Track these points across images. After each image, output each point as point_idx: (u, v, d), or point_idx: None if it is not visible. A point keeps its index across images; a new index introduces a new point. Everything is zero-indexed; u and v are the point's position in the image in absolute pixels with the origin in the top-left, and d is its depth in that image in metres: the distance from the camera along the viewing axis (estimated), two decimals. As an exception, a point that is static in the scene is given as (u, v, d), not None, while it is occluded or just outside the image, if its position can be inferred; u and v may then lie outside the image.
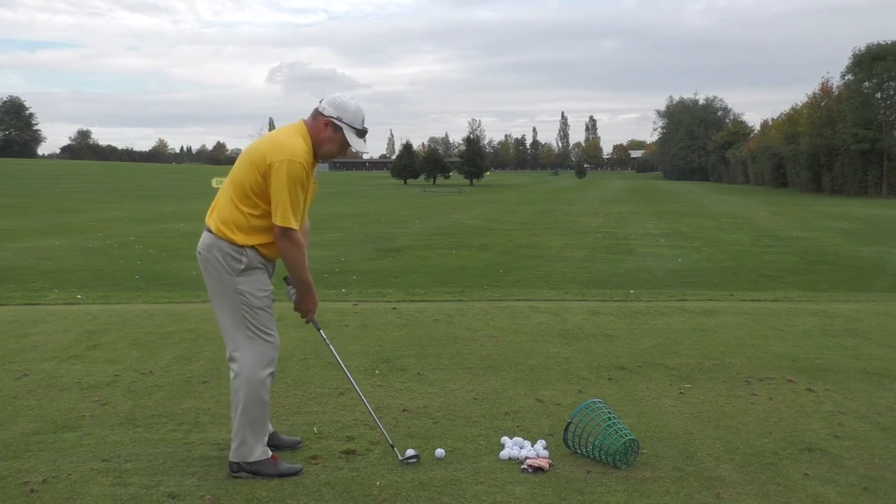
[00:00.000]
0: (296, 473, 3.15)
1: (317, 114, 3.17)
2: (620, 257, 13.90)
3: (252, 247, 3.11)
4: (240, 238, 3.08)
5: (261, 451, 3.16)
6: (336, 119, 3.13)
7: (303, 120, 3.22)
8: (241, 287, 3.10)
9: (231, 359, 3.16)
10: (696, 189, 63.47)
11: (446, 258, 13.58)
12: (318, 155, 3.20)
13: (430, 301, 7.63)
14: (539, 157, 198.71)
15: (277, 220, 3.02)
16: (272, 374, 3.20)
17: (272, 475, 3.12)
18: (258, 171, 3.03)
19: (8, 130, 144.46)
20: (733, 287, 9.81)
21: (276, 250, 3.14)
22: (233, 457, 3.15)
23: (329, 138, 3.15)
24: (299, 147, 3.07)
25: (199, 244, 3.17)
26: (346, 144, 3.17)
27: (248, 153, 3.11)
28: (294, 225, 3.04)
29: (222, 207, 3.13)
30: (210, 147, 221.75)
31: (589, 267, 12.40)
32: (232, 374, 3.17)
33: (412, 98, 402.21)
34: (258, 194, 3.06)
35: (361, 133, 3.19)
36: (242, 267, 3.10)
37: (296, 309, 3.32)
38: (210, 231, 3.14)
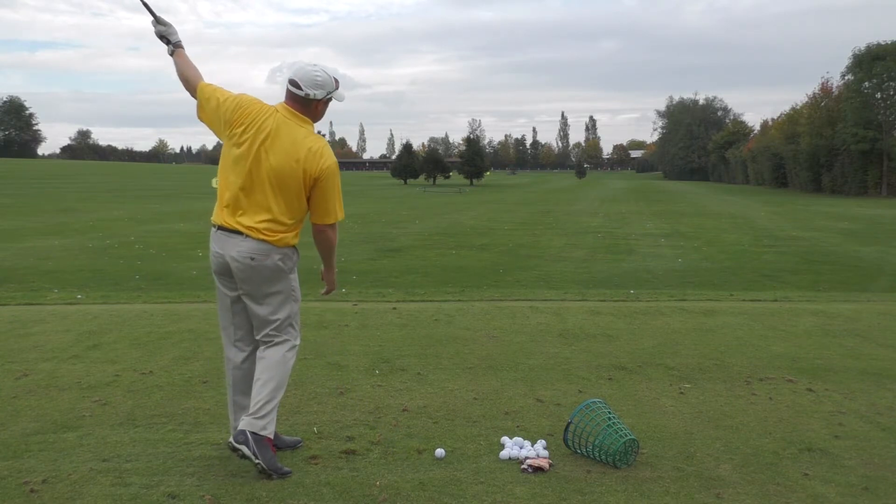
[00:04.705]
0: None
1: (306, 101, 3.23)
2: (620, 257, 13.91)
3: None
4: None
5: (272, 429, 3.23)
6: (326, 96, 3.27)
7: (292, 111, 3.23)
8: None
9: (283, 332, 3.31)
10: (696, 189, 63.47)
11: (446, 258, 13.58)
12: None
13: (430, 301, 7.62)
14: (539, 157, 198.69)
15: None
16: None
17: (272, 459, 3.14)
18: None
19: (8, 130, 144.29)
20: (733, 287, 9.82)
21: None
22: (252, 427, 3.13)
23: (323, 112, 3.34)
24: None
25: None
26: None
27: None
28: None
29: None
30: (210, 147, 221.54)
31: (589, 267, 12.40)
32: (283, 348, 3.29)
33: (412, 98, 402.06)
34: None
35: (338, 85, 3.36)
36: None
37: None
38: None
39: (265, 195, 3.16)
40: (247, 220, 3.17)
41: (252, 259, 3.16)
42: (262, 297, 3.24)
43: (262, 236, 3.16)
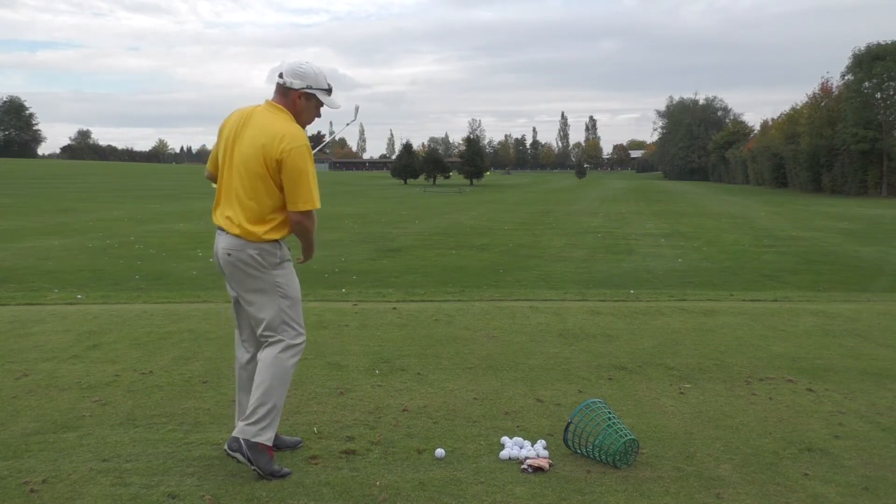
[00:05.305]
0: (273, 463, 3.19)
1: (285, 90, 3.21)
2: (620, 257, 13.91)
3: None
4: None
5: (268, 436, 3.17)
6: (306, 88, 3.21)
7: (272, 103, 3.23)
8: None
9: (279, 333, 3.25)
10: (696, 189, 63.47)
11: (446, 258, 13.58)
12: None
13: (430, 301, 7.62)
14: (539, 157, 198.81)
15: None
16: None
17: (268, 464, 3.12)
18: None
19: (8, 130, 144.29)
20: (733, 287, 9.82)
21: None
22: (244, 434, 3.11)
23: (304, 108, 3.25)
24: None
25: None
26: (320, 105, 3.29)
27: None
28: None
29: None
30: (210, 147, 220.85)
31: (589, 267, 12.40)
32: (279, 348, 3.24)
33: (412, 98, 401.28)
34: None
35: (329, 91, 3.28)
36: None
37: None
38: None
39: (235, 186, 3.16)
40: (225, 214, 3.19)
41: (229, 254, 3.16)
42: (247, 293, 3.23)
43: (235, 230, 3.14)
